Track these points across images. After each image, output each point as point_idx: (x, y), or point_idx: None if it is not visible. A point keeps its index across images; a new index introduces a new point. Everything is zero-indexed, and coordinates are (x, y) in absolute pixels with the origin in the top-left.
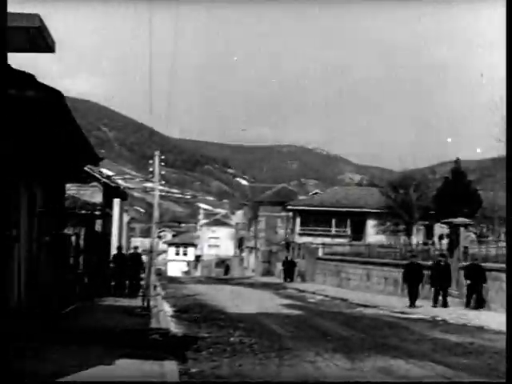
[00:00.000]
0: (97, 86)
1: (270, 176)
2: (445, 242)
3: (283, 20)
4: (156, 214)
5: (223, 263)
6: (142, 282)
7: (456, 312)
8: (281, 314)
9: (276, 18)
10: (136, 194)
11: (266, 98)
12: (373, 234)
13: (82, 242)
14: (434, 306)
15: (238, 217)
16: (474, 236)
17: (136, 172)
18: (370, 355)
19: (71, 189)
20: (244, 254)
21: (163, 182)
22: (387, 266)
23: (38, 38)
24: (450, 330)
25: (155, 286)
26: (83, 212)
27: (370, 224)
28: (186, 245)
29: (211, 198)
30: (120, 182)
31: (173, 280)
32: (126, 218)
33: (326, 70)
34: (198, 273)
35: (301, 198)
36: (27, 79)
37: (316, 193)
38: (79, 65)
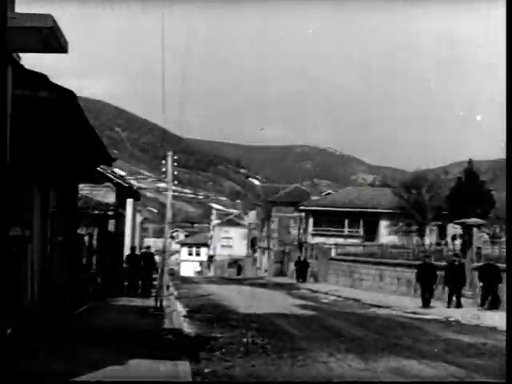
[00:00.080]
0: (109, 86)
1: (282, 176)
2: (458, 242)
3: (284, 19)
4: (169, 214)
5: (236, 263)
6: (155, 282)
7: (470, 312)
8: (294, 314)
9: (278, 16)
10: (149, 195)
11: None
12: (385, 234)
13: (95, 242)
14: (448, 307)
15: (251, 217)
16: (487, 237)
17: (149, 172)
18: (383, 355)
19: (84, 189)
20: (257, 255)
21: (176, 182)
22: (400, 267)
23: (51, 39)
24: (464, 331)
25: (168, 286)
26: (96, 212)
27: (383, 224)
28: (198, 245)
29: (224, 199)
30: (133, 182)
31: (186, 280)
32: (138, 219)
33: (334, 68)
34: (210, 273)
35: (314, 198)
36: (40, 79)
37: (329, 193)
38: (92, 65)
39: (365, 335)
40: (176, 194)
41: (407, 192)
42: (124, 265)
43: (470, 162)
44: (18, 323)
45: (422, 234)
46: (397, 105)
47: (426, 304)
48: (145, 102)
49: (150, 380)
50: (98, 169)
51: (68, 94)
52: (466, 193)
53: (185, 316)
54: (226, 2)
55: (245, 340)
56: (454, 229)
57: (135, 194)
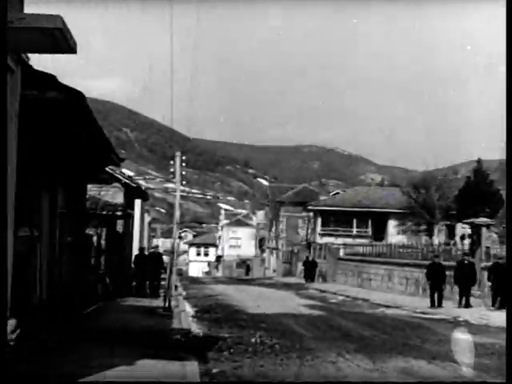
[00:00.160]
0: (117, 87)
1: (290, 176)
2: (466, 242)
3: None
4: (177, 214)
5: (244, 264)
6: (163, 283)
7: (478, 312)
8: (302, 314)
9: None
10: (157, 195)
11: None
12: (394, 234)
13: (103, 243)
14: (459, 307)
15: (259, 217)
16: (495, 236)
17: (157, 172)
18: (392, 356)
19: (92, 189)
20: (265, 255)
21: (184, 183)
22: (409, 267)
23: (60, 39)
24: (473, 331)
25: (176, 287)
26: (104, 213)
27: (392, 224)
28: (207, 245)
29: (232, 199)
30: (141, 182)
31: (194, 280)
32: (147, 219)
33: (342, 67)
34: (219, 273)
35: (322, 198)
36: (49, 80)
37: (337, 193)
38: (99, 65)
39: (373, 335)
40: (184, 194)
41: (416, 192)
42: (132, 265)
43: (479, 161)
44: (26, 323)
45: (430, 234)
46: (405, 104)
47: (438, 304)
48: (153, 102)
49: (158, 380)
50: (107, 169)
51: (77, 95)
52: (475, 192)
53: (193, 316)
54: (235, 1)
55: (253, 340)
56: (462, 228)
57: (143, 195)
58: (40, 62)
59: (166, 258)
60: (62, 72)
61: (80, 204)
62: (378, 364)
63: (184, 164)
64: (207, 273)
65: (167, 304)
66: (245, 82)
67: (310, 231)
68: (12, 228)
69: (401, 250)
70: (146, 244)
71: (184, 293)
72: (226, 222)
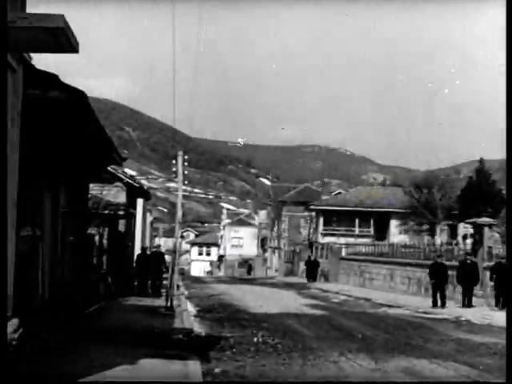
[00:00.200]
0: (119, 86)
1: (293, 176)
2: (469, 241)
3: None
4: (179, 213)
5: (246, 263)
6: (165, 282)
7: (481, 312)
8: (304, 313)
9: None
10: (159, 194)
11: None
12: (396, 233)
13: (105, 242)
14: (463, 307)
15: (261, 217)
16: (498, 236)
17: (159, 172)
18: (394, 355)
19: (94, 189)
20: (267, 254)
21: (186, 182)
22: (411, 266)
23: (62, 39)
24: (474, 331)
25: (178, 286)
26: (107, 212)
27: (394, 224)
28: (209, 245)
29: (234, 198)
30: (143, 181)
31: (196, 280)
32: (149, 218)
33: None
34: (221, 273)
35: (324, 197)
36: (51, 79)
37: (339, 193)
38: (101, 65)
39: (375, 335)
40: (186, 193)
41: (418, 191)
42: (134, 264)
43: (481, 161)
44: (28, 322)
45: (432, 234)
46: (408, 103)
47: (442, 304)
48: (155, 101)
49: (160, 380)
50: (109, 169)
51: (79, 94)
52: (477, 192)
53: (195, 316)
54: (236, 1)
55: (255, 340)
56: (464, 228)
57: (146, 194)
58: (41, 61)
59: (168, 258)
60: (64, 71)
61: (82, 203)
62: (380, 364)
63: (186, 163)
64: (209, 272)
65: (169, 303)
66: (246, 81)
67: (312, 231)
68: (14, 227)
69: (403, 250)
70: (148, 243)
71: (186, 292)
72: (228, 221)
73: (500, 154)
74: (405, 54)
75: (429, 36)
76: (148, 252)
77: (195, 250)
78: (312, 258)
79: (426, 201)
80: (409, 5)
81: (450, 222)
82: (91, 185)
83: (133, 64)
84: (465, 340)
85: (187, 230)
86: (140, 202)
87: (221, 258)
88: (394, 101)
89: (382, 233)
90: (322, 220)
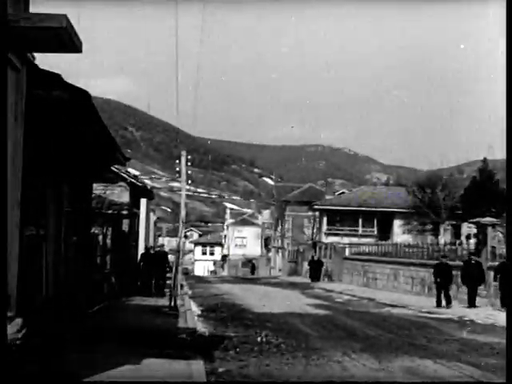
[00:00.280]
0: (123, 86)
1: (296, 175)
2: (472, 241)
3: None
4: (183, 213)
5: (250, 263)
6: (169, 282)
7: (484, 312)
8: (308, 313)
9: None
10: (163, 194)
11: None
12: (400, 233)
13: (109, 242)
14: (469, 307)
15: (265, 216)
16: (501, 236)
17: (162, 171)
18: (398, 355)
19: (98, 188)
20: (271, 254)
21: (190, 182)
22: (414, 266)
23: (66, 39)
24: (478, 330)
25: (182, 286)
26: (110, 212)
27: (397, 224)
28: (212, 244)
29: (238, 198)
30: (147, 181)
31: (199, 279)
32: (152, 218)
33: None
34: (224, 272)
35: (327, 197)
36: (54, 79)
37: (343, 192)
38: (105, 64)
39: (379, 335)
40: (190, 193)
41: (421, 191)
42: (138, 264)
43: (485, 160)
44: (32, 322)
45: (436, 234)
46: (411, 103)
47: (447, 303)
48: (158, 101)
49: (163, 380)
50: (112, 168)
51: (82, 94)
52: (481, 192)
53: (199, 315)
54: (242, 1)
55: (259, 339)
56: (468, 228)
57: (149, 194)
58: (44, 61)
59: (171, 257)
60: (68, 71)
61: (86, 203)
62: (383, 363)
63: (189, 163)
64: (213, 272)
65: (173, 303)
66: (249, 81)
67: (315, 230)
68: (18, 227)
69: (406, 250)
70: (151, 243)
71: (190, 292)
72: (231, 221)
73: (503, 153)
74: (407, 53)
75: (439, 34)
76: (152, 251)
77: (199, 249)
78: (315, 258)
79: (430, 200)
80: (408, 4)
81: (454, 222)
82: (95, 184)
83: (136, 64)
84: (468, 340)
85: (191, 230)
86: (143, 201)
87: (224, 257)
88: (396, 101)
89: (385, 232)
90: (325, 220)
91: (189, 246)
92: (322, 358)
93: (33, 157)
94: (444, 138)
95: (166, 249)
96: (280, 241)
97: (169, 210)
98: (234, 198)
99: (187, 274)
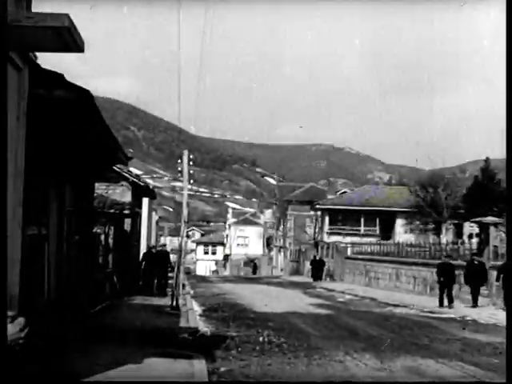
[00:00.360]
0: (125, 86)
1: (298, 175)
2: (474, 241)
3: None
4: (185, 213)
5: (252, 262)
6: (171, 281)
7: (487, 312)
8: (310, 313)
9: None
10: (165, 193)
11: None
12: (402, 233)
13: (111, 241)
14: (473, 306)
15: (267, 216)
16: (503, 235)
17: (164, 171)
18: (400, 355)
19: (100, 188)
20: (273, 253)
21: (192, 181)
22: (416, 266)
23: (68, 38)
24: (480, 330)
25: (184, 285)
26: (112, 211)
27: (399, 223)
28: (214, 244)
29: (240, 197)
30: (149, 180)
31: (201, 279)
32: (154, 217)
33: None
34: (226, 272)
35: (329, 197)
36: (56, 79)
37: (345, 192)
38: (107, 64)
39: (381, 334)
40: (192, 192)
41: (424, 190)
42: (140, 263)
43: (487, 160)
44: (34, 321)
45: (438, 233)
46: (412, 103)
47: (449, 303)
48: (160, 101)
49: (165, 379)
50: (114, 168)
51: (84, 93)
52: (483, 191)
53: (201, 315)
54: (242, 2)
55: (261, 339)
56: (470, 227)
57: (151, 193)
58: (46, 61)
59: (173, 257)
60: (69, 71)
61: (88, 202)
62: (385, 363)
63: (191, 162)
64: (215, 271)
65: (175, 303)
66: (251, 80)
67: (317, 230)
68: (20, 226)
69: (408, 249)
70: (153, 242)
71: (191, 291)
72: (233, 220)
73: (505, 153)
74: (410, 53)
75: (441, 35)
76: (154, 251)
77: (201, 249)
78: (317, 258)
79: (432, 200)
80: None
81: (456, 221)
82: (97, 184)
83: (138, 63)
84: (471, 339)
85: (193, 229)
86: (145, 201)
87: (226, 257)
88: (397, 100)
89: (387, 232)
90: (327, 219)
91: (191, 245)
92: (323, 357)
93: (35, 156)
94: (444, 137)
95: (168, 248)
96: (282, 240)
97: (171, 209)
98: (236, 197)
99: (189, 273)
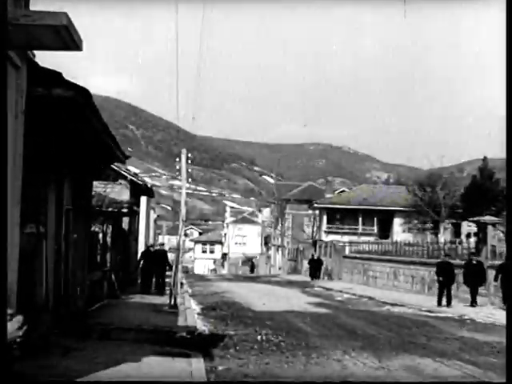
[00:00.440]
0: (123, 84)
1: (296, 174)
2: (472, 240)
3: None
4: (183, 211)
5: (250, 261)
6: (169, 280)
7: (485, 311)
8: (308, 312)
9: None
10: (163, 192)
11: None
12: (400, 232)
13: (109, 240)
14: (472, 305)
15: (265, 215)
16: (501, 234)
17: (163, 170)
18: (398, 354)
19: (98, 186)
20: (271, 252)
21: (190, 180)
22: (414, 265)
23: (66, 37)
24: (479, 329)
25: (182, 284)
26: (110, 210)
27: (397, 222)
28: (212, 243)
29: (238, 196)
30: (147, 179)
31: (200, 277)
32: (153, 216)
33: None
34: (224, 271)
35: (327, 196)
36: (55, 77)
37: (343, 191)
38: (106, 62)
39: (379, 333)
40: (190, 191)
41: (422, 190)
42: (138, 262)
43: (485, 159)
44: (32, 319)
45: (436, 232)
46: (412, 103)
47: (448, 302)
48: (159, 99)
49: (163, 378)
50: (113, 166)
51: (83, 92)
52: (481, 191)
53: (199, 313)
54: (244, 1)
55: (259, 338)
56: (468, 227)
57: (149, 192)
58: (43, 59)
59: (171, 256)
60: (67, 69)
61: (86, 201)
62: (383, 362)
63: (190, 161)
64: (213, 270)
65: (173, 301)
66: (250, 80)
67: (315, 229)
68: (18, 224)
69: (406, 248)
70: (152, 241)
71: (190, 290)
72: (231, 219)
73: (503, 152)
74: (411, 53)
75: (440, 34)
76: (152, 250)
77: (199, 247)
78: (315, 257)
79: (430, 199)
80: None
81: (454, 221)
82: (95, 182)
83: (137, 62)
84: (469, 339)
85: (191, 228)
86: (144, 199)
87: (224, 255)
88: (398, 100)
89: (385, 231)
90: (325, 218)
91: (189, 244)
92: (321, 356)
93: (33, 154)
94: (443, 137)
95: (166, 247)
96: (280, 239)
97: (169, 208)
98: (235, 196)
99: (187, 272)
